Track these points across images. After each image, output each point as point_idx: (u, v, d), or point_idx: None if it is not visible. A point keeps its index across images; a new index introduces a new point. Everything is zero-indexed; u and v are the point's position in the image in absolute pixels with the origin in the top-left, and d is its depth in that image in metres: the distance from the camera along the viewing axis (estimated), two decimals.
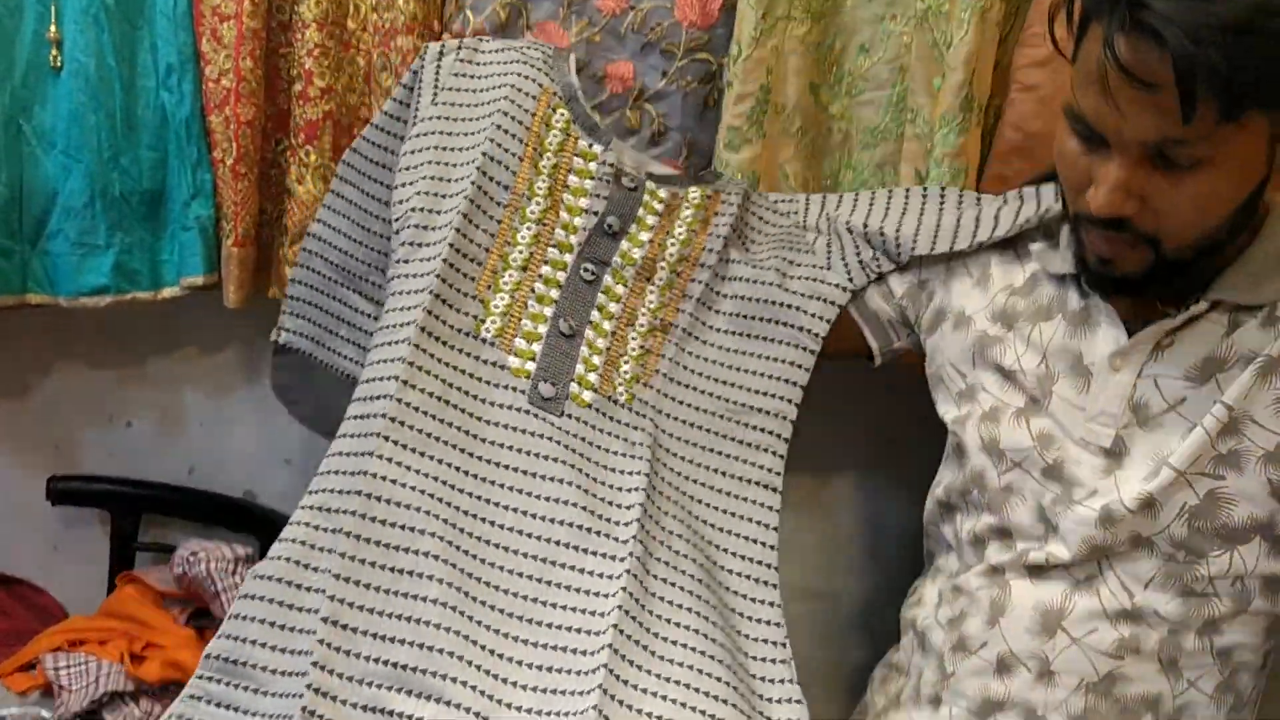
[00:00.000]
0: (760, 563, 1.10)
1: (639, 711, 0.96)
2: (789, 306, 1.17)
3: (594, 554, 1.04)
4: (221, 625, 1.00)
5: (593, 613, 1.01)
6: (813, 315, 1.16)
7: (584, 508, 1.05)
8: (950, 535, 1.14)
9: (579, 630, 1.00)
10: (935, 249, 1.16)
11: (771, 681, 1.04)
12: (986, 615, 1.07)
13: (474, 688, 0.95)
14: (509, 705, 0.96)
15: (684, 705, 0.97)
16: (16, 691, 1.26)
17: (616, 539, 1.04)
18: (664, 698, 0.98)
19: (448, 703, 0.94)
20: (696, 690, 0.99)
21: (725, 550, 1.10)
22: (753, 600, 1.08)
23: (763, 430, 1.14)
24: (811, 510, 1.44)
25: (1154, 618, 1.00)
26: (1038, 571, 1.05)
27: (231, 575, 1.35)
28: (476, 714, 0.94)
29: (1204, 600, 1.00)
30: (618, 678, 0.97)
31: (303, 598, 0.99)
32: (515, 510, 1.04)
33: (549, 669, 0.98)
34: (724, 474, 1.12)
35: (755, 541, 1.10)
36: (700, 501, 1.11)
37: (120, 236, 1.32)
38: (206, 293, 1.36)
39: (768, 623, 1.07)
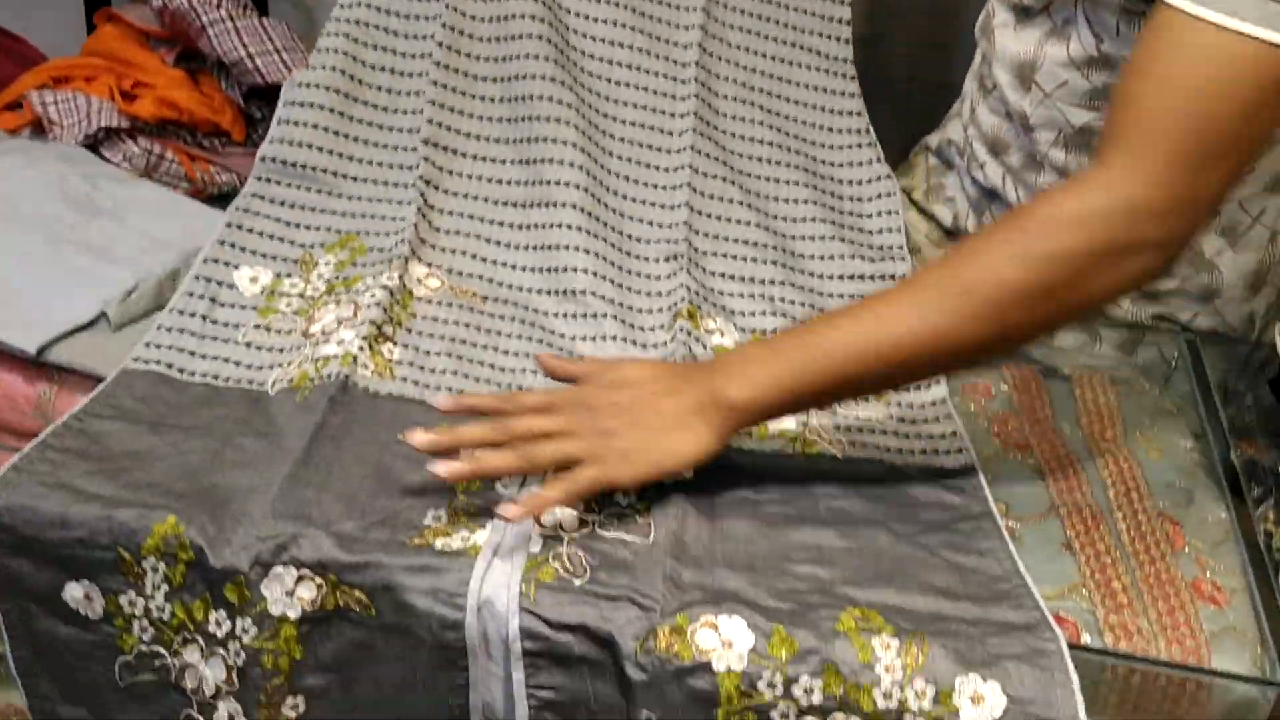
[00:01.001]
0: (836, 57, 1.13)
1: (720, 199, 1.05)
2: None
3: (656, 79, 1.09)
4: (270, 131, 1.03)
5: (664, 142, 1.06)
6: None
7: (642, 30, 1.09)
8: None
9: (656, 147, 1.06)
10: None
11: (858, 166, 1.11)
12: (990, 68, 1.03)
13: (575, 163, 1.02)
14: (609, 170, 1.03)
15: (756, 195, 1.07)
16: (6, 130, 1.19)
17: (677, 61, 1.09)
18: (741, 191, 1.06)
19: (556, 182, 1.02)
20: (773, 199, 1.08)
21: (796, 60, 1.12)
22: (831, 90, 1.12)
23: None
24: None
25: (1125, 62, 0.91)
26: (1023, 15, 0.98)
27: (217, 9, 1.24)
28: (578, 186, 1.02)
29: None
30: (698, 172, 1.05)
31: (354, 108, 1.04)
32: (582, 35, 1.08)
33: (637, 162, 1.06)
34: None
35: (829, 37, 1.13)
36: (766, 35, 1.12)
37: None
38: None
39: (849, 112, 1.12)
